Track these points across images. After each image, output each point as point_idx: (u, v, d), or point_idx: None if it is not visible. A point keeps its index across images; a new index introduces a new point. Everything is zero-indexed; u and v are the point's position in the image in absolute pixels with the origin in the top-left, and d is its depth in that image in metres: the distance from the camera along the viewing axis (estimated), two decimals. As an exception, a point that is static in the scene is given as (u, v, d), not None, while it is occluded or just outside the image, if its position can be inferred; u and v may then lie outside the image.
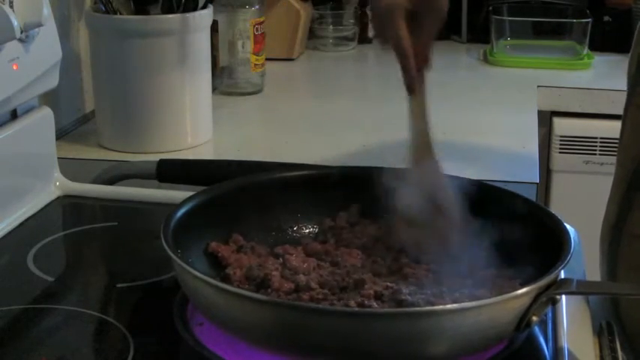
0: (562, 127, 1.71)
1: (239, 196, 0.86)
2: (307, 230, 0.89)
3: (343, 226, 0.87)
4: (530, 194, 1.12)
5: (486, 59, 1.91)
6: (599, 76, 1.81)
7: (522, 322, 0.70)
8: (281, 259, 0.81)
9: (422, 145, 0.85)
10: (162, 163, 1.09)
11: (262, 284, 0.76)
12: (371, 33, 2.03)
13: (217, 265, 0.81)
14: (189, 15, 1.25)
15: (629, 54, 1.01)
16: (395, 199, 0.82)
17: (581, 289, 0.74)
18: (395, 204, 0.82)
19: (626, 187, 0.96)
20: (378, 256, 0.82)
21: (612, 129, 1.43)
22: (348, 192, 0.88)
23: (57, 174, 1.08)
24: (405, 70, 0.83)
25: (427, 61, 0.84)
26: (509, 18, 1.95)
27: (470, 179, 0.87)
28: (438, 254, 0.79)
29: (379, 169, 0.86)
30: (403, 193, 0.82)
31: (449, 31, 2.10)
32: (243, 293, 0.69)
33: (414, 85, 0.84)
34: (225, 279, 0.78)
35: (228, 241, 0.84)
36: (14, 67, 0.96)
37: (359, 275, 0.77)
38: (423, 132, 0.85)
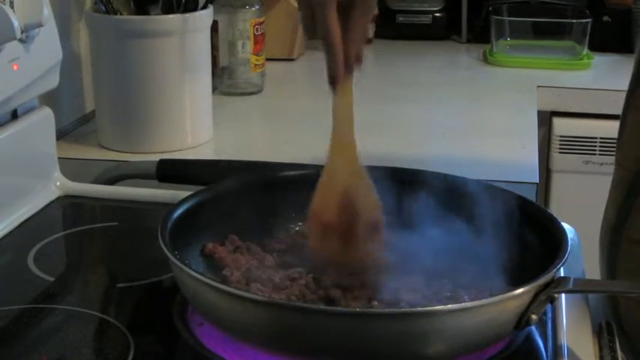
0: (562, 127, 1.71)
1: (234, 196, 0.86)
2: (303, 229, 0.88)
3: None
4: (530, 194, 1.12)
5: (486, 59, 1.91)
6: (598, 76, 1.81)
7: (522, 320, 0.70)
8: (276, 255, 0.82)
9: (342, 151, 0.81)
10: (162, 163, 1.09)
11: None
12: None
13: (213, 266, 0.82)
14: (190, 15, 1.25)
15: (635, 53, 1.00)
16: (311, 205, 0.79)
17: (579, 287, 0.74)
18: (309, 210, 0.79)
19: (627, 189, 0.95)
20: None
21: (612, 129, 1.42)
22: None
23: (57, 174, 1.08)
24: (331, 64, 0.77)
25: (358, 57, 0.79)
26: (509, 18, 1.95)
27: (469, 179, 0.87)
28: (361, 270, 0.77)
29: (378, 169, 0.87)
30: (320, 199, 0.79)
31: (449, 31, 2.10)
32: (244, 294, 0.69)
33: (337, 81, 0.78)
34: (223, 280, 0.78)
35: (225, 242, 0.84)
36: (14, 68, 0.96)
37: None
38: (345, 137, 0.80)
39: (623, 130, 0.99)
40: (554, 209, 1.67)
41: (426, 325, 0.66)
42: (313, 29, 0.79)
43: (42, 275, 0.87)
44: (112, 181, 1.12)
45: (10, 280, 0.88)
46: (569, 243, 0.74)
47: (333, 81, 0.78)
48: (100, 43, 1.27)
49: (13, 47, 0.95)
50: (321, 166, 0.92)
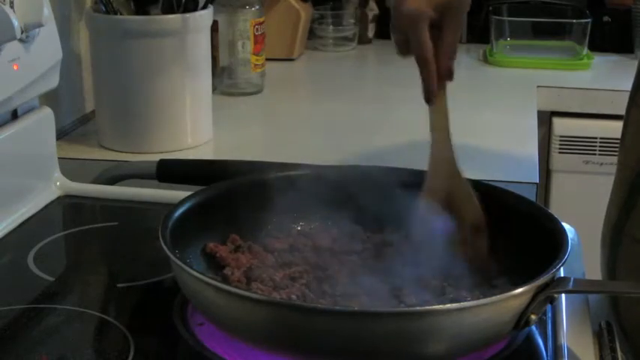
0: (562, 127, 1.71)
1: (236, 195, 0.86)
2: (305, 229, 0.89)
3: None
4: (530, 194, 1.12)
5: (486, 59, 1.91)
6: (598, 76, 1.81)
7: (521, 320, 0.70)
8: (277, 255, 0.82)
9: (442, 159, 0.84)
10: (163, 163, 1.09)
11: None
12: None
13: (214, 265, 0.82)
14: (190, 15, 1.25)
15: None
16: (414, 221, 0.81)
17: (579, 287, 0.74)
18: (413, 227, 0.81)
19: (629, 189, 0.95)
20: None
21: (612, 129, 1.43)
22: (346, 192, 0.88)
23: (57, 174, 1.08)
24: (426, 80, 0.81)
25: (449, 72, 0.82)
26: (509, 18, 1.95)
27: (469, 179, 0.87)
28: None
29: (379, 169, 0.87)
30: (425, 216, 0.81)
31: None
32: (244, 293, 0.69)
33: (433, 96, 0.82)
34: (223, 279, 0.78)
35: (226, 241, 0.84)
36: (15, 68, 0.96)
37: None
38: (443, 145, 0.84)
39: (626, 128, 0.98)
40: (554, 209, 1.66)
41: (426, 325, 0.66)
42: (407, 49, 0.83)
43: (42, 275, 0.87)
44: (112, 181, 1.12)
45: (10, 280, 0.88)
46: (569, 243, 0.74)
47: (428, 95, 0.82)
48: (100, 43, 1.27)
49: (13, 47, 0.95)
50: (322, 166, 0.93)
